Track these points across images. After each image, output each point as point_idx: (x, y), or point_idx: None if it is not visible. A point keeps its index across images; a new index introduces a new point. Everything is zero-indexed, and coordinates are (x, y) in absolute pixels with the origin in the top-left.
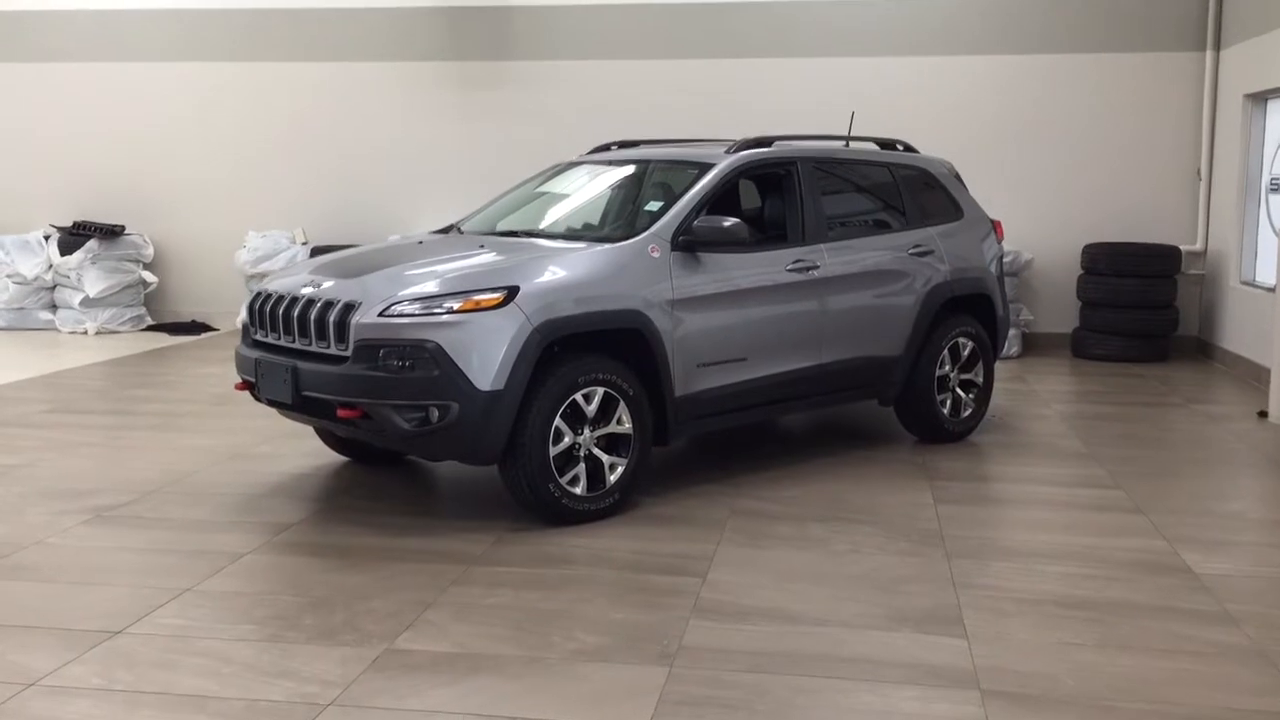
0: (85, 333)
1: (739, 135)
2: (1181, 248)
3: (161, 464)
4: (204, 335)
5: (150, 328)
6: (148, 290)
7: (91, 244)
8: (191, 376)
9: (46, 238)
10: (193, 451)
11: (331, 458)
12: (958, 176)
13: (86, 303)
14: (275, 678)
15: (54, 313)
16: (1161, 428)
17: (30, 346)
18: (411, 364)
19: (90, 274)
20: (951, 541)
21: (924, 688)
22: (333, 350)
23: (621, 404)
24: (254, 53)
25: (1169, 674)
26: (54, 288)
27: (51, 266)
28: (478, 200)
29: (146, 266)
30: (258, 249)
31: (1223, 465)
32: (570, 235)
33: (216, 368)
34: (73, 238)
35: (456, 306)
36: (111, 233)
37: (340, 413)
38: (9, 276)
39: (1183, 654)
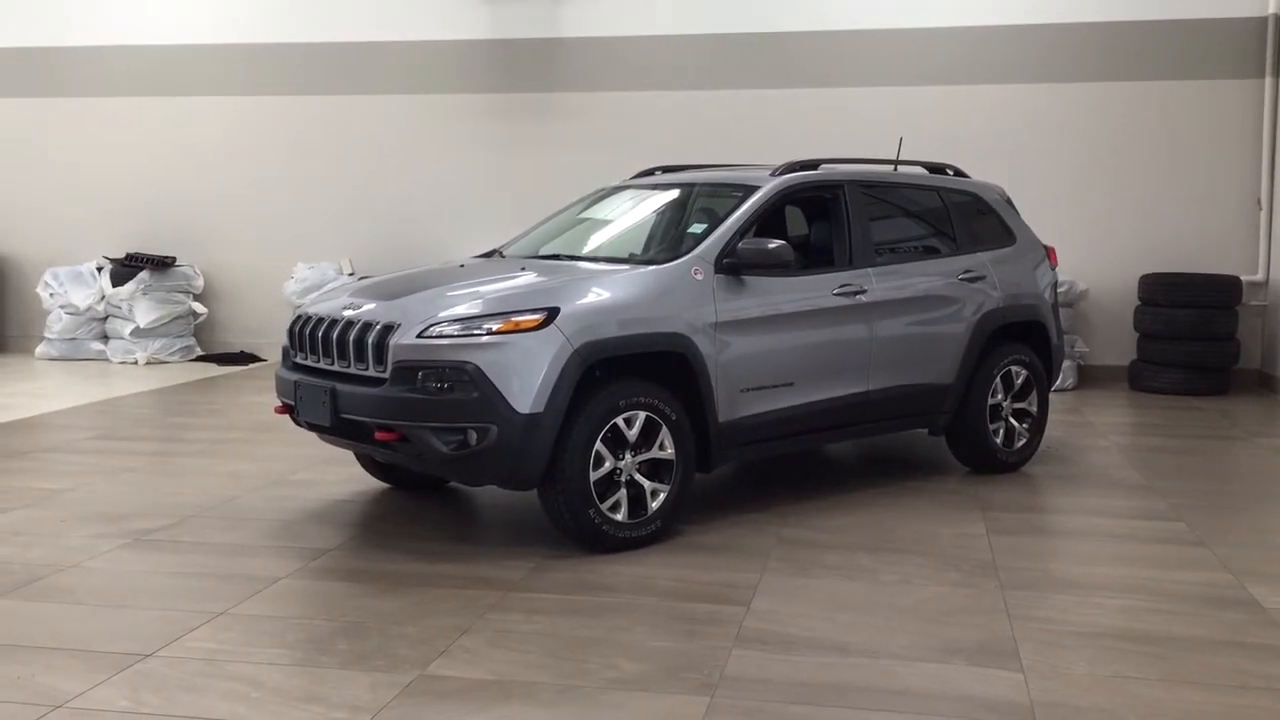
0: (136, 363)
1: (784, 161)
2: (1242, 278)
3: (202, 489)
4: (252, 365)
5: (199, 358)
6: (197, 321)
7: (143, 275)
8: (237, 405)
9: (99, 269)
10: (234, 477)
11: (372, 484)
12: (1010, 202)
13: (137, 333)
14: (304, 703)
15: (105, 343)
16: (1224, 461)
17: (81, 376)
18: (450, 386)
19: (141, 305)
20: (1006, 573)
21: None
22: (371, 372)
23: (664, 429)
24: (301, 86)
25: (1238, 711)
26: (105, 318)
27: (104, 297)
28: (524, 228)
29: (196, 297)
30: (306, 280)
31: None
32: (613, 258)
33: (262, 396)
34: (124, 269)
35: (496, 328)
36: (162, 264)
37: (378, 435)
38: (62, 307)
39: (1252, 690)
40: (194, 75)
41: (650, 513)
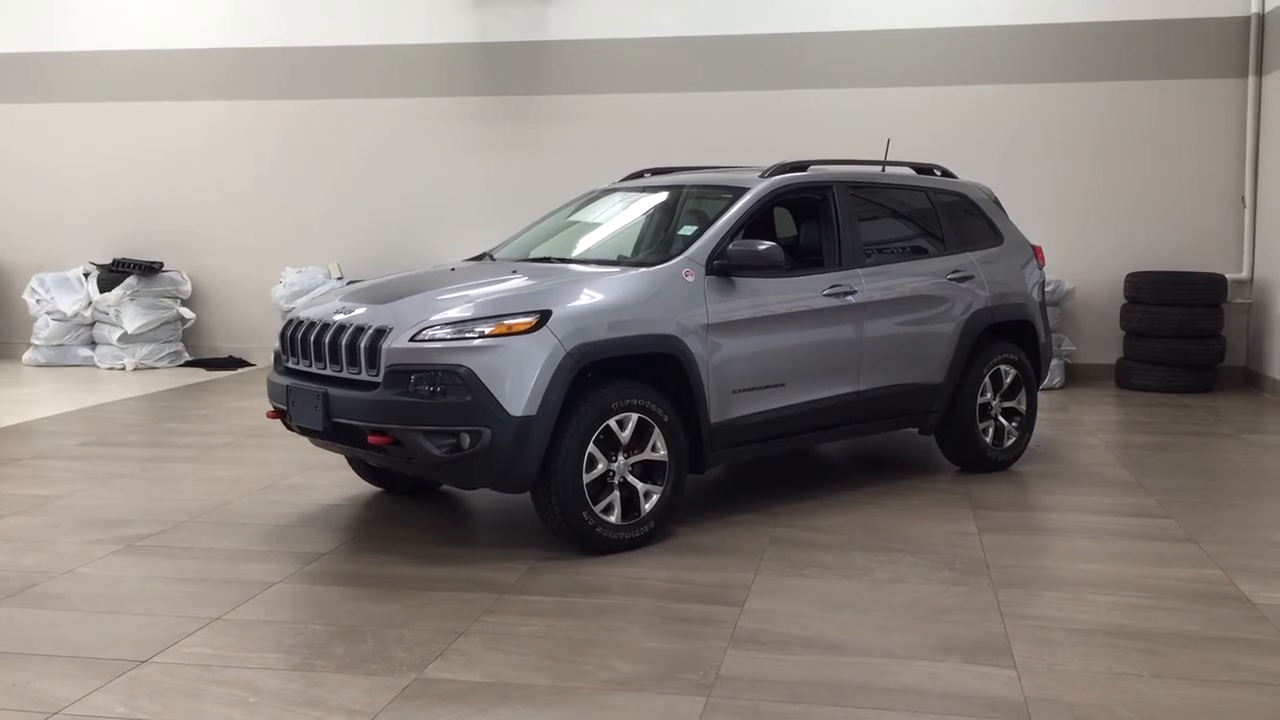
0: (123, 368)
1: (773, 163)
2: (1227, 276)
3: (194, 495)
4: (241, 370)
5: (187, 363)
6: (185, 326)
7: (130, 281)
8: (227, 410)
9: (86, 275)
10: (225, 483)
11: (364, 488)
12: (997, 202)
13: (125, 339)
14: (302, 707)
15: (93, 349)
16: (1211, 457)
17: (69, 382)
18: (443, 389)
19: (129, 310)
20: (997, 571)
21: (973, 719)
22: (364, 376)
23: (656, 430)
24: (288, 91)
25: (1230, 706)
26: (93, 324)
27: (90, 303)
28: (513, 231)
29: (184, 303)
30: (294, 284)
31: (1276, 495)
32: (604, 261)
33: (252, 401)
34: (111, 275)
35: (488, 331)
36: (150, 269)
37: (371, 439)
38: (49, 313)
39: (1244, 685)
40: (179, 80)
41: (643, 514)
